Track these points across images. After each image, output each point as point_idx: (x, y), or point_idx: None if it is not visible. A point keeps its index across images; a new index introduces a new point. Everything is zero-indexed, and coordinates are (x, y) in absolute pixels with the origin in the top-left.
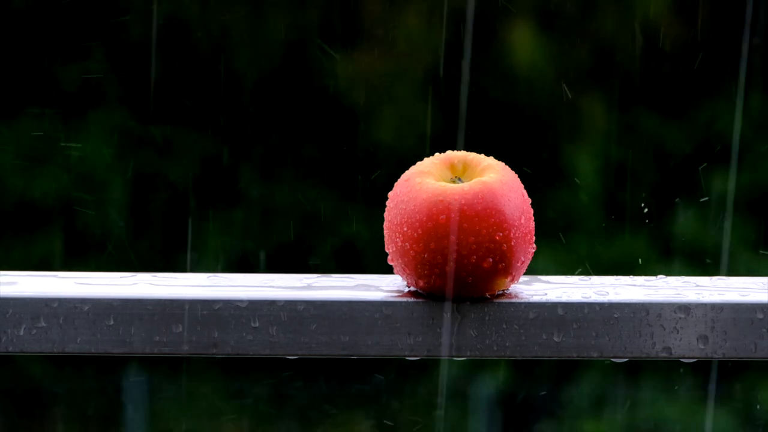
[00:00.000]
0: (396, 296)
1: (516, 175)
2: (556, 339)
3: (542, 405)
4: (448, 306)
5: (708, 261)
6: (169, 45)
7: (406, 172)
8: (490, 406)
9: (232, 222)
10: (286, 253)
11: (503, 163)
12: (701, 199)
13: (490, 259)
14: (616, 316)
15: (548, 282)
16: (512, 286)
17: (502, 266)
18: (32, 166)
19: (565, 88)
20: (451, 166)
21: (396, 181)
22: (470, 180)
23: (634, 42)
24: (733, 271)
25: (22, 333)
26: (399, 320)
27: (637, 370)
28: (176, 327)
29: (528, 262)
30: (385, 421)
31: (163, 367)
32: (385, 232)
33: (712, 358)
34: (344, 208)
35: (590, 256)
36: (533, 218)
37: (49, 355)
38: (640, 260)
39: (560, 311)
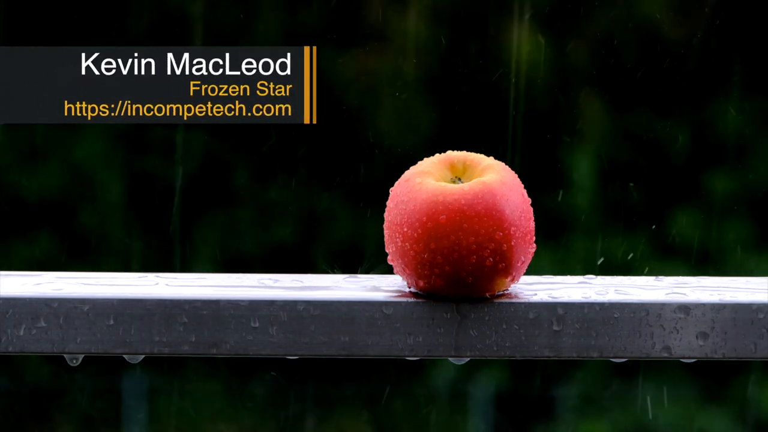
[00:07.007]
0: (396, 296)
1: (516, 175)
2: (556, 339)
3: (541, 405)
4: (448, 306)
5: (708, 261)
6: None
7: (406, 172)
8: (490, 406)
9: (231, 222)
10: (285, 253)
11: (503, 164)
12: (701, 199)
13: (491, 259)
14: (616, 316)
15: (548, 282)
16: (512, 286)
17: (502, 266)
18: (32, 166)
19: (565, 87)
20: (451, 166)
21: (396, 181)
22: (470, 180)
23: (633, 42)
24: (732, 271)
25: (22, 333)
26: (399, 320)
27: (636, 370)
28: (176, 327)
29: (528, 262)
30: (384, 422)
31: (163, 367)
32: (385, 232)
33: (712, 358)
34: (344, 207)
35: (589, 257)
36: (533, 218)
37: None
38: (639, 260)
39: (560, 311)
